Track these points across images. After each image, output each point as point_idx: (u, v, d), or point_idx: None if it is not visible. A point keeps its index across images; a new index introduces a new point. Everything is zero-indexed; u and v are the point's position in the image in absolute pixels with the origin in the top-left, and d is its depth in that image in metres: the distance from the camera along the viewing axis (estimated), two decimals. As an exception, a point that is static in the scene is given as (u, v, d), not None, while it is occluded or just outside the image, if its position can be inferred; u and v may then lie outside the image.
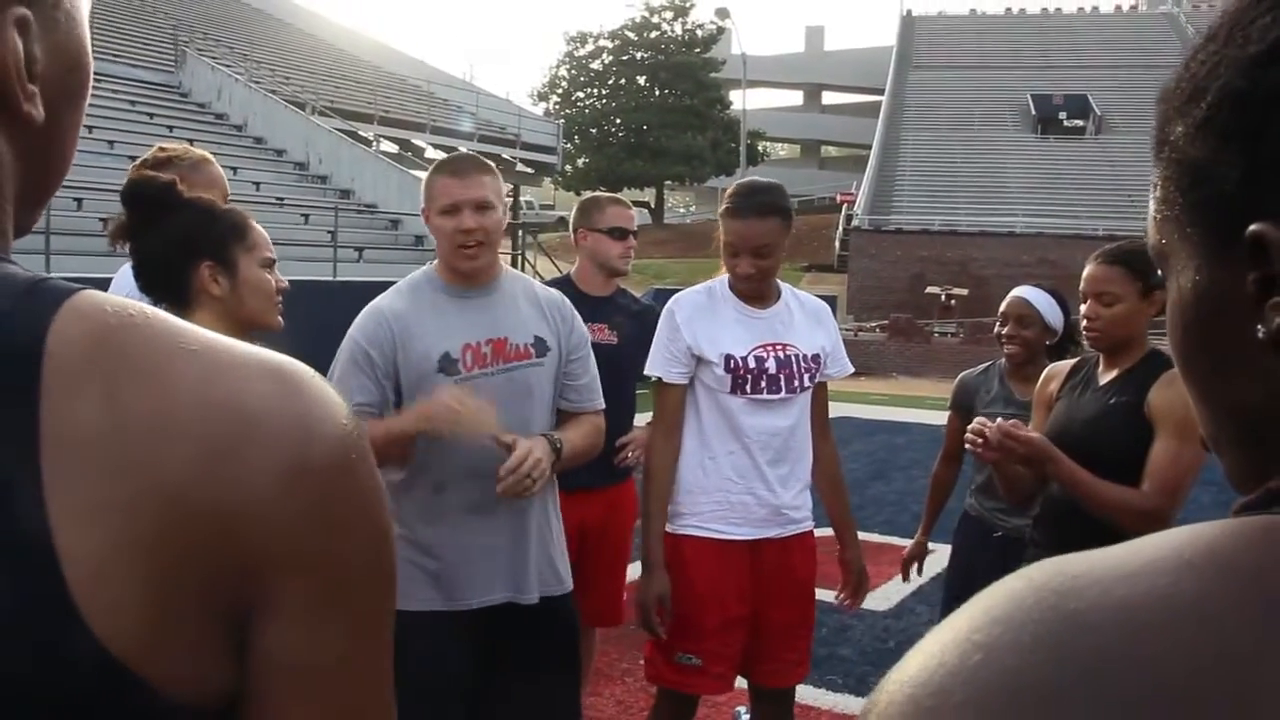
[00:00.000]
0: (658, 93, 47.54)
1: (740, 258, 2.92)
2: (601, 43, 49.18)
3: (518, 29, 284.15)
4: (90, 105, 0.72)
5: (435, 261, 2.78)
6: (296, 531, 0.59)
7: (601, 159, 46.15)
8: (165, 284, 2.11)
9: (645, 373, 3.07)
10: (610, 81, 48.69)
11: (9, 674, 0.54)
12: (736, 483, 2.96)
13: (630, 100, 47.46)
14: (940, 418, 3.79)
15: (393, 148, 28.51)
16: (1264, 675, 0.38)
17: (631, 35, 48.48)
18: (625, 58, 48.49)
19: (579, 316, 2.84)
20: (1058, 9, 51.31)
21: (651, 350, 3.04)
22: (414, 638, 2.58)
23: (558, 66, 49.92)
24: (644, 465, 3.11)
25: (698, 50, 48.18)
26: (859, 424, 12.47)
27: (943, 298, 24.66)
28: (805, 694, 4.05)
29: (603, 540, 3.63)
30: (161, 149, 2.73)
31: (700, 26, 49.11)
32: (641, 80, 48.14)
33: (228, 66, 24.81)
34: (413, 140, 30.36)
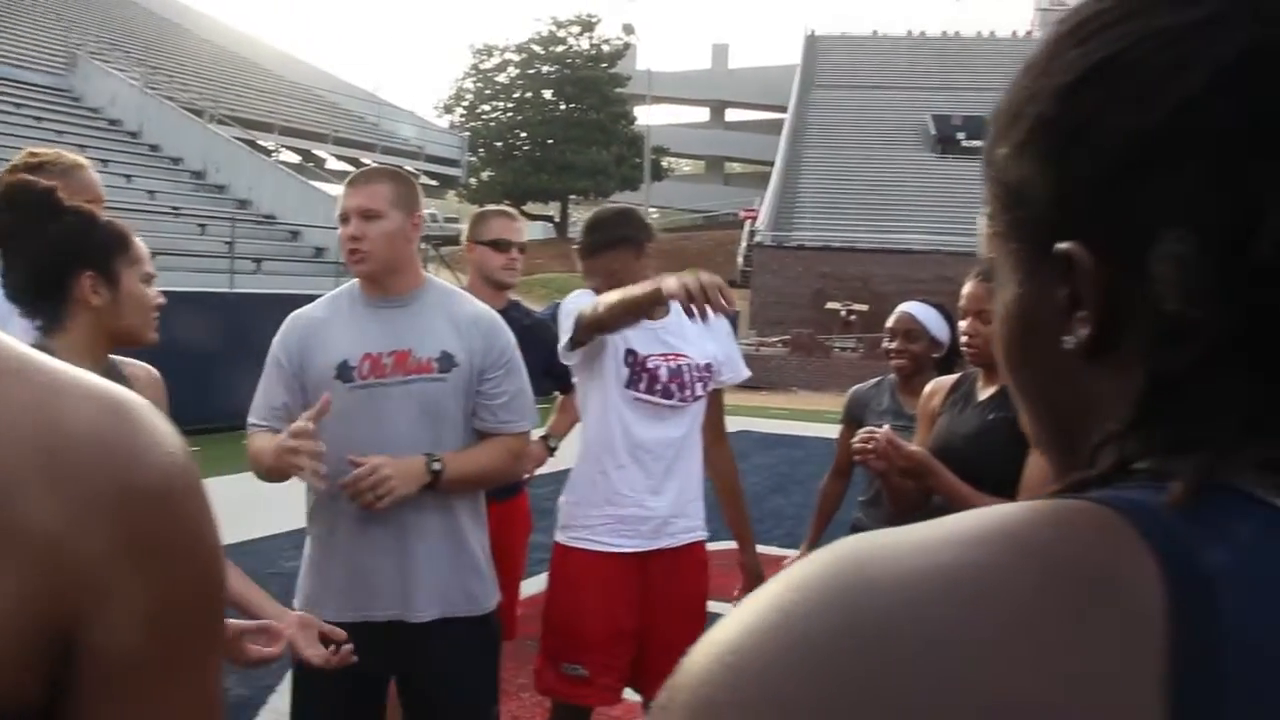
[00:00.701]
0: (563, 107, 47.54)
1: (604, 292, 2.93)
2: (508, 56, 49.05)
3: (423, 41, 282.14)
4: None
5: None
6: (118, 558, 0.58)
7: (506, 172, 45.97)
8: (39, 292, 2.04)
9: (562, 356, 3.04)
10: (516, 95, 48.54)
11: None
12: (627, 495, 2.97)
13: (536, 114, 47.38)
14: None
15: (294, 158, 28.12)
16: (1036, 638, 0.41)
17: (538, 49, 48.43)
18: (531, 71, 48.42)
19: (507, 337, 2.78)
20: (957, 32, 52.52)
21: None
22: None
23: (463, 79, 49.68)
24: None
25: (604, 65, 48.33)
26: (759, 438, 12.60)
27: (843, 313, 25.03)
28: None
29: (495, 555, 3.62)
30: (32, 154, 2.64)
31: (606, 42, 49.29)
32: (547, 94, 48.10)
33: (122, 71, 24.22)
34: (314, 151, 29.99)
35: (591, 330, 2.89)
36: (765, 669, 0.43)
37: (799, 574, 0.46)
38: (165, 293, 2.20)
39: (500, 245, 3.72)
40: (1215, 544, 0.44)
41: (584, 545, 3.00)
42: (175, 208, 18.65)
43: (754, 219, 33.65)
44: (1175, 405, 0.49)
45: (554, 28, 48.74)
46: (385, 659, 2.64)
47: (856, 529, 3.63)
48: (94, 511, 0.57)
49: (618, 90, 48.05)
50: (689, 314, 2.60)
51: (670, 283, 2.64)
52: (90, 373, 0.62)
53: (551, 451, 3.95)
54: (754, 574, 3.26)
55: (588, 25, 48.94)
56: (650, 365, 2.98)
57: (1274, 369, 0.47)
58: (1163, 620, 0.41)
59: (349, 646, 2.29)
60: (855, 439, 2.60)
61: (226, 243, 16.68)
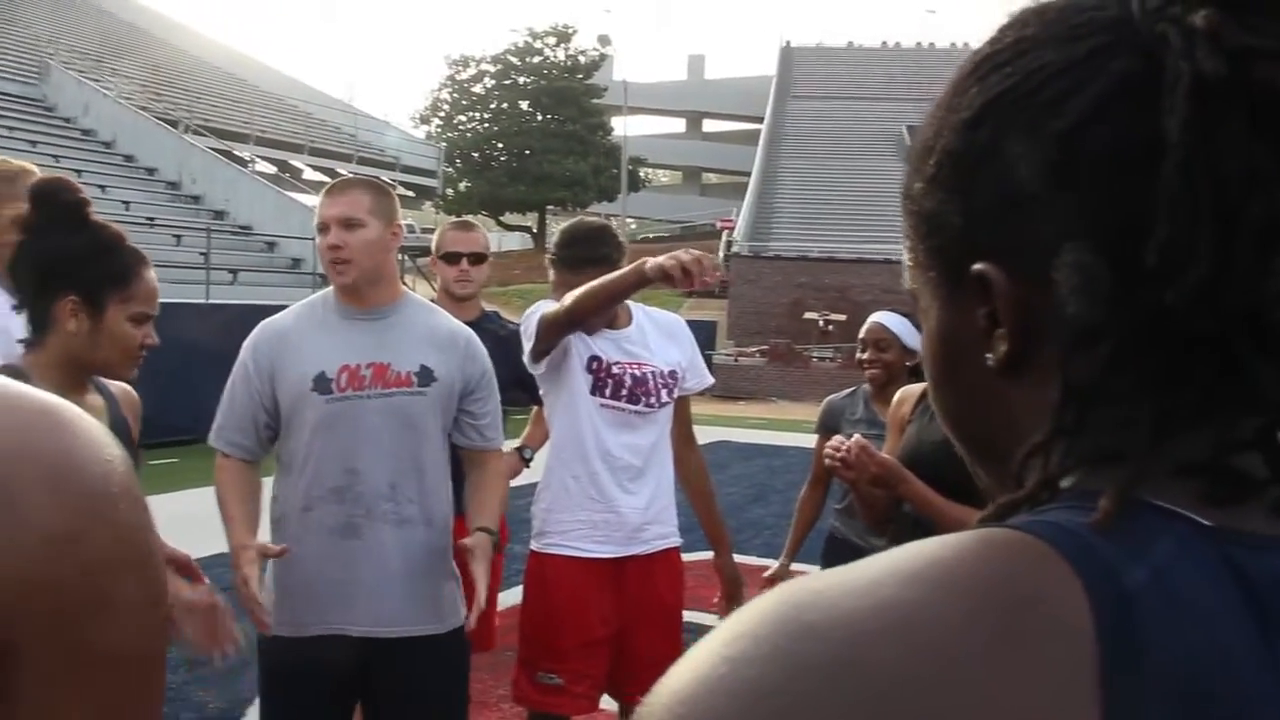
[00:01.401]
0: (540, 118, 47.52)
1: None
2: (484, 66, 49.01)
3: (399, 51, 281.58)
4: None
5: None
6: (50, 566, 0.57)
7: (483, 183, 45.92)
8: (28, 298, 2.04)
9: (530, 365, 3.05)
10: (493, 106, 48.51)
11: None
12: (598, 501, 2.98)
13: (512, 125, 47.34)
14: (818, 442, 3.90)
15: (270, 169, 28.01)
16: (972, 670, 0.43)
17: (514, 60, 48.42)
18: (508, 82, 48.37)
19: (485, 356, 2.78)
20: (931, 44, 52.86)
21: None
22: (280, 659, 2.60)
23: (440, 90, 49.62)
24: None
25: (580, 76, 48.36)
26: (737, 448, 12.62)
27: (821, 323, 25.12)
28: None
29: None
30: None
31: (583, 53, 49.32)
32: (524, 105, 48.08)
33: (95, 80, 24.09)
34: (290, 161, 29.87)
35: (562, 326, 2.88)
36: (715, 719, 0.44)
37: (744, 621, 0.47)
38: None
39: (450, 258, 3.72)
40: (1135, 563, 0.47)
41: (559, 551, 3.00)
42: (150, 218, 18.56)
43: (731, 229, 33.72)
44: (1090, 414, 0.52)
45: (530, 39, 48.78)
46: (355, 673, 2.63)
47: (834, 537, 3.66)
48: (27, 522, 0.56)
49: (594, 101, 48.10)
50: (679, 285, 2.63)
51: (652, 262, 2.66)
52: (29, 386, 0.60)
53: (527, 463, 3.95)
54: (731, 578, 3.27)
55: (564, 36, 48.98)
56: (615, 372, 3.00)
57: (1176, 374, 0.50)
58: (1091, 639, 0.44)
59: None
60: (826, 447, 2.62)
61: (202, 254, 16.61)
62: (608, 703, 3.24)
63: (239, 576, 2.44)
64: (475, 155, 47.17)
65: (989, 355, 0.56)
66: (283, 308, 2.80)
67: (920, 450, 2.65)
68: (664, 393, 3.06)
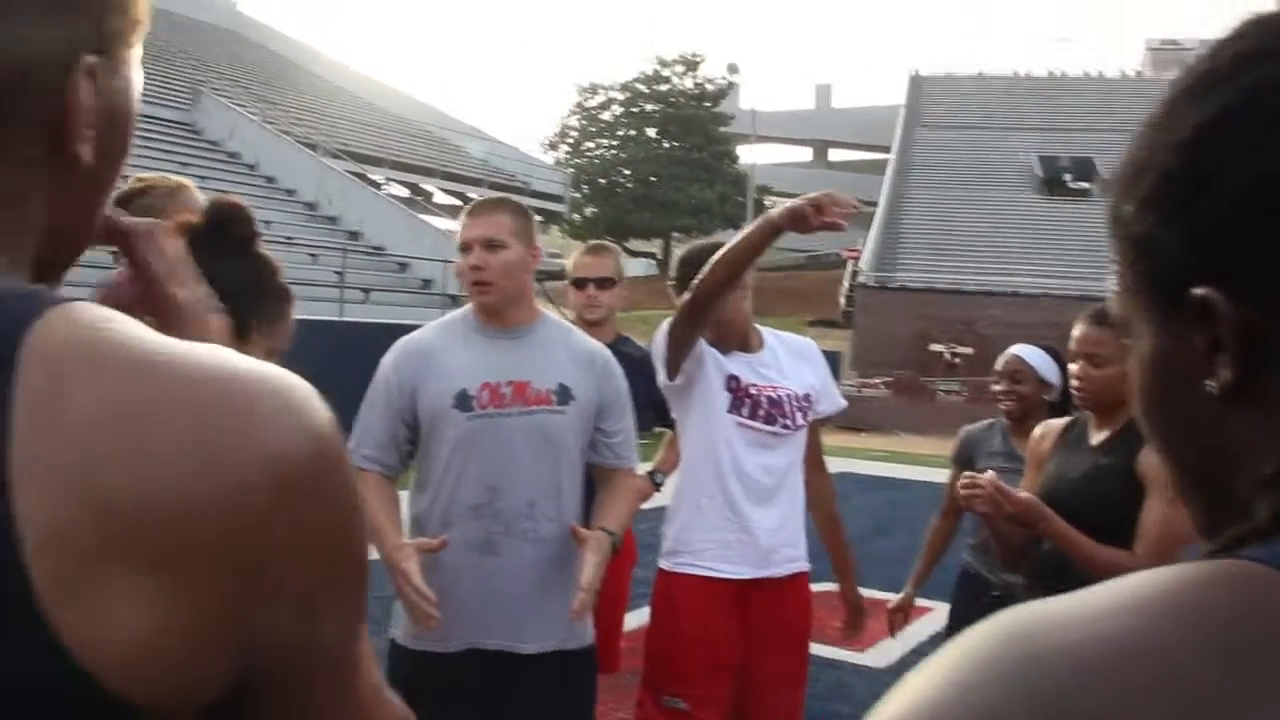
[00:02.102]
0: (667, 145, 47.79)
1: None
2: (612, 94, 49.57)
3: (530, 79, 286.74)
4: None
5: None
6: (283, 530, 0.59)
7: (609, 209, 46.33)
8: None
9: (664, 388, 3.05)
10: (620, 133, 49.00)
11: None
12: (733, 520, 2.95)
13: (639, 151, 47.72)
14: (942, 475, 3.81)
15: (403, 191, 28.71)
16: (1201, 714, 0.41)
17: (642, 88, 48.86)
18: (635, 110, 48.83)
19: (621, 375, 2.80)
20: (1063, 73, 51.74)
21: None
22: (412, 670, 2.62)
23: (568, 116, 50.33)
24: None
25: (707, 104, 48.55)
26: (860, 479, 12.44)
27: (947, 356, 24.69)
28: (799, 748, 4.02)
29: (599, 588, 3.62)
30: (140, 179, 2.65)
31: (710, 81, 49.51)
32: (651, 132, 48.45)
33: (242, 106, 25.07)
34: (422, 185, 30.59)
35: (695, 310, 2.83)
36: None
37: (967, 646, 0.46)
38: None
39: (578, 284, 3.77)
40: None
41: (689, 570, 2.97)
42: (289, 238, 19.13)
43: (856, 259, 33.42)
44: None
45: (659, 67, 49.16)
46: (488, 688, 2.64)
47: (967, 573, 3.58)
48: (258, 487, 0.58)
49: (721, 129, 48.20)
50: (813, 224, 2.60)
51: (776, 211, 2.64)
52: (247, 357, 0.63)
53: (658, 487, 3.95)
54: (855, 606, 3.23)
55: (692, 64, 49.24)
56: (752, 393, 2.98)
57: None
58: None
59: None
60: (960, 480, 2.57)
61: (337, 272, 17.12)
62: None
63: (398, 573, 2.45)
64: (602, 181, 47.65)
65: (1209, 382, 0.53)
66: (415, 327, 2.84)
67: (1061, 486, 2.58)
68: (799, 415, 3.03)
